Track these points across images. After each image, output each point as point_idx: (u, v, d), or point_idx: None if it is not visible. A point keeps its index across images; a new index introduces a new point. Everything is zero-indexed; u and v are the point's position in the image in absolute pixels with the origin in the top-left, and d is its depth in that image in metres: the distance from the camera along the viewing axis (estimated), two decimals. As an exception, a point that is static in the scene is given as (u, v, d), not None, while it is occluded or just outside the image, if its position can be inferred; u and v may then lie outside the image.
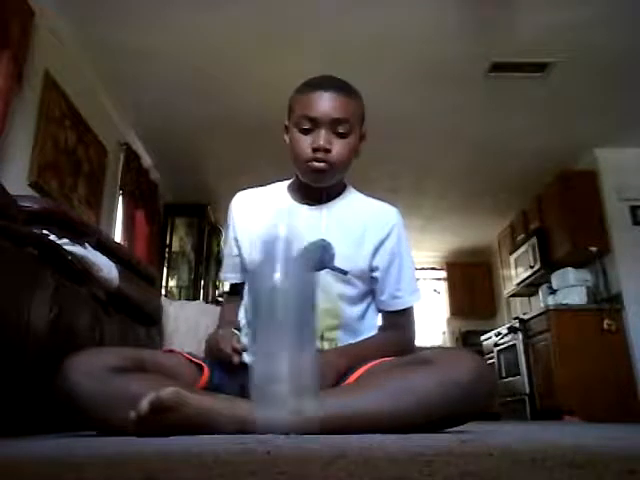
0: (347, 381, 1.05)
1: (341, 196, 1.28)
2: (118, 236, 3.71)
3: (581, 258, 4.13)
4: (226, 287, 1.38)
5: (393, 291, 1.23)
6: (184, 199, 4.95)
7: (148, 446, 0.65)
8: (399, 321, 1.25)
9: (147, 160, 4.27)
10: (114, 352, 1.04)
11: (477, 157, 4.34)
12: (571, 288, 4.15)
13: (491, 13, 2.81)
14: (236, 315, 1.28)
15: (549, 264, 4.40)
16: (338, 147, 1.15)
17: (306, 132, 1.16)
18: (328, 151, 1.14)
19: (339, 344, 1.18)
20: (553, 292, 4.35)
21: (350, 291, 1.20)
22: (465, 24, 2.90)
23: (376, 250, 1.22)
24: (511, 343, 4.43)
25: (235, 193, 1.36)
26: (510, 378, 4.38)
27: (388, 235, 1.23)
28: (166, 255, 4.81)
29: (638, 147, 4.10)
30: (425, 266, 6.71)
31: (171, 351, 1.21)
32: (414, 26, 2.91)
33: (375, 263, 1.22)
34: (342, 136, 1.16)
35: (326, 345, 1.17)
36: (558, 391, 3.68)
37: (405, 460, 0.45)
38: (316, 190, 1.24)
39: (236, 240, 1.29)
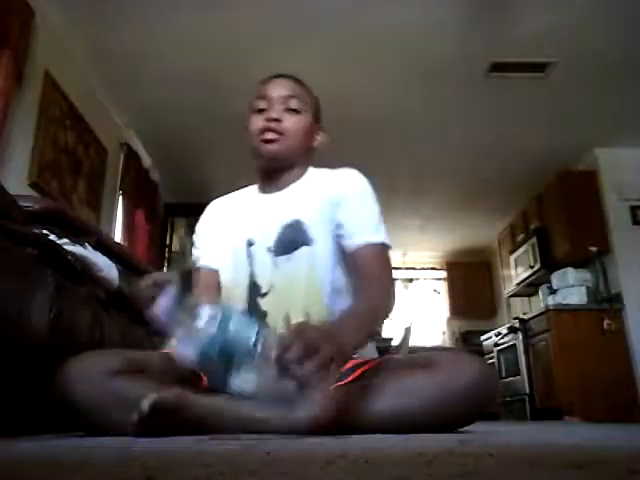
0: (345, 380, 1.05)
1: (304, 177, 1.30)
2: (118, 236, 3.71)
3: (581, 258, 4.13)
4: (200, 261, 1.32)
5: (356, 228, 1.19)
6: (184, 199, 4.94)
7: (148, 446, 0.65)
8: (371, 268, 1.16)
9: (147, 160, 4.27)
10: (113, 355, 1.03)
11: (477, 157, 4.33)
12: (571, 288, 4.15)
13: (491, 13, 2.81)
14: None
15: (549, 264, 4.40)
16: (289, 119, 1.23)
17: (260, 112, 1.24)
18: (279, 121, 1.21)
19: (330, 311, 1.15)
20: (553, 292, 4.35)
21: (325, 259, 1.19)
22: (465, 24, 2.90)
23: (338, 205, 1.21)
24: (511, 343, 4.43)
25: (214, 199, 1.44)
26: (510, 378, 4.38)
27: (347, 189, 1.23)
28: (166, 255, 4.81)
29: (638, 147, 4.10)
30: (425, 266, 6.71)
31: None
32: (414, 26, 2.92)
33: (339, 219, 1.20)
34: (293, 112, 1.24)
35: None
36: (558, 391, 3.68)
37: (405, 460, 0.45)
38: (276, 174, 1.28)
39: (212, 245, 1.32)
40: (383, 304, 1.11)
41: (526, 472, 0.40)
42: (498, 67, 3.23)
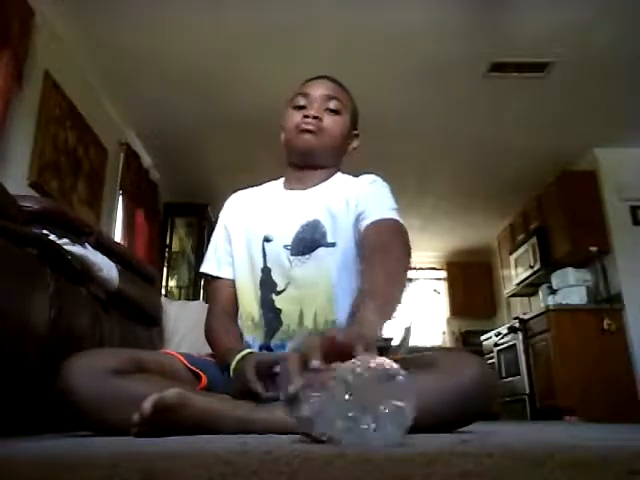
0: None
1: (330, 179, 1.30)
2: (118, 236, 3.71)
3: (581, 258, 4.13)
4: (206, 269, 1.31)
5: (370, 210, 1.17)
6: (184, 199, 4.95)
7: (148, 446, 0.65)
8: (384, 237, 1.11)
9: (147, 160, 4.27)
10: (113, 353, 1.04)
11: (477, 157, 4.34)
12: (571, 288, 4.15)
13: (491, 13, 2.81)
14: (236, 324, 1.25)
15: (549, 264, 4.40)
16: (328, 119, 1.24)
17: (299, 109, 1.25)
18: (319, 119, 1.22)
19: (337, 322, 1.12)
20: (553, 292, 4.35)
21: (345, 263, 1.17)
22: (465, 24, 2.90)
23: (356, 201, 1.21)
24: (511, 343, 4.43)
25: (235, 192, 1.41)
26: (510, 378, 4.38)
27: (364, 184, 1.25)
28: (166, 255, 4.81)
29: (638, 147, 4.10)
30: (425, 266, 6.71)
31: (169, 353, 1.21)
32: (414, 26, 2.92)
33: (358, 211, 1.19)
34: (332, 112, 1.25)
35: (321, 324, 1.12)
36: (558, 391, 3.68)
37: (405, 460, 0.45)
38: (305, 170, 1.28)
39: (229, 238, 1.30)
40: (400, 269, 1.03)
41: (526, 472, 0.40)
42: (498, 67, 3.23)
